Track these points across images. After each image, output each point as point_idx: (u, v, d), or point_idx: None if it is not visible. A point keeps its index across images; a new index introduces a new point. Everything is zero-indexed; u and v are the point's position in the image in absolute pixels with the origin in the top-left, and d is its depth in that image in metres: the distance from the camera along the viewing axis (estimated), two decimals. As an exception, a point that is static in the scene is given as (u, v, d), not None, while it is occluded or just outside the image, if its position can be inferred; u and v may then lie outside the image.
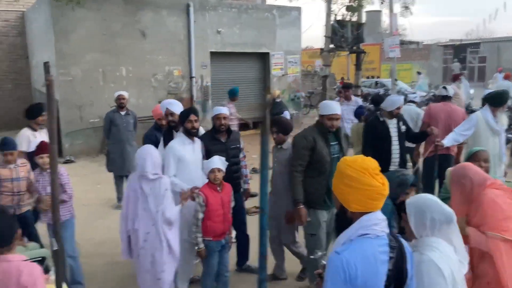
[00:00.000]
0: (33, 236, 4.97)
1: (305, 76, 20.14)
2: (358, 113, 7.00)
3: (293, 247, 4.61)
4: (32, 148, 5.02)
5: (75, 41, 10.96)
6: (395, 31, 15.03)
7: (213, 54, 13.13)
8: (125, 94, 7.38)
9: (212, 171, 3.97)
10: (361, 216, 1.93)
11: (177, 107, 4.78)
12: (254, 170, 8.56)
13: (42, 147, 4.57)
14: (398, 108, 5.22)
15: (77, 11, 10.78)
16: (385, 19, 34.36)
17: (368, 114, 6.99)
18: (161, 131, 5.34)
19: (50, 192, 2.46)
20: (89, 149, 11.12)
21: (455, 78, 11.66)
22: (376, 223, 1.91)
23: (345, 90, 8.64)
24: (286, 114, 8.89)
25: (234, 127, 8.67)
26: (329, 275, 1.89)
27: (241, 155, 4.77)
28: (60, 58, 10.88)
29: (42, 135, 5.55)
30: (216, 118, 4.58)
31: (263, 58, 14.37)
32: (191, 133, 4.34)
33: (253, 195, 5.08)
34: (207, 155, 4.35)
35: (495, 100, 5.32)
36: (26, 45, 15.42)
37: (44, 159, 4.56)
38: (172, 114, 4.75)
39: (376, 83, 21.40)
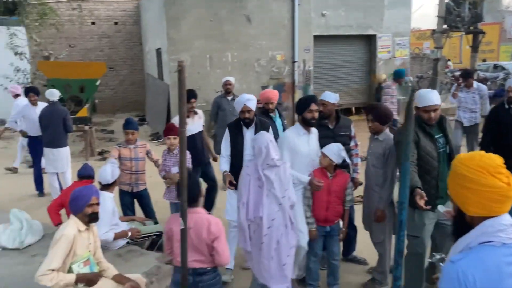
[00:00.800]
0: (149, 213, 5.33)
1: (413, 59, 18.98)
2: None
3: (380, 248, 4.24)
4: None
5: (185, 28, 11.44)
6: (521, 8, 13.47)
7: (317, 38, 12.87)
8: (231, 79, 7.52)
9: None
10: (482, 221, 1.67)
11: (254, 103, 4.51)
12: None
13: (169, 129, 4.81)
14: (510, 91, 4.74)
15: (187, -2, 11.24)
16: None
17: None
18: (269, 115, 5.33)
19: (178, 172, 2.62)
20: (196, 131, 11.59)
21: None
22: (502, 229, 1.63)
23: (465, 80, 7.68)
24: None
25: (394, 110, 8.24)
26: (442, 286, 1.67)
27: (352, 143, 4.55)
28: (171, 45, 11.46)
29: (194, 120, 5.72)
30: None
31: (369, 41, 13.77)
32: (310, 124, 4.08)
33: (361, 184, 4.87)
34: None
35: None
36: (140, 33, 16.53)
37: (171, 140, 4.84)
38: (249, 111, 4.43)
39: (495, 66, 19.49)
